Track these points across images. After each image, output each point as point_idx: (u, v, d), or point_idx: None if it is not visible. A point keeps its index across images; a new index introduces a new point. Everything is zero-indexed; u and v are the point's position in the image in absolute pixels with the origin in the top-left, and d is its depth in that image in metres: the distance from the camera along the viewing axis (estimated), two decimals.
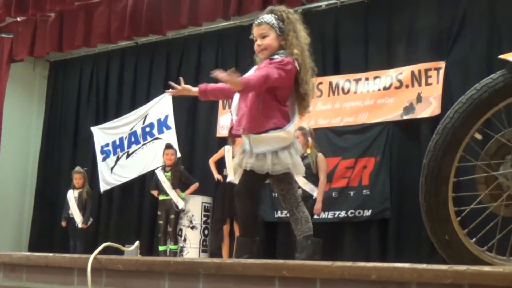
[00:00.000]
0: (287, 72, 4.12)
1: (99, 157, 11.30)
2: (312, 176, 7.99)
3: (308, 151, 8.12)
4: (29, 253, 2.93)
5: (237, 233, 8.69)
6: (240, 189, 4.24)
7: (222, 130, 9.80)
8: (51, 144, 12.32)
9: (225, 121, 9.86)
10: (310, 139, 8.14)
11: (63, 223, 10.03)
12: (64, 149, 12.10)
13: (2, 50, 11.12)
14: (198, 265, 2.39)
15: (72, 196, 9.96)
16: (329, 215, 8.80)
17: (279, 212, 9.09)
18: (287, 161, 4.14)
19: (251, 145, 4.15)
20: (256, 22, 4.31)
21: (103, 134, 11.37)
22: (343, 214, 8.73)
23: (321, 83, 9.30)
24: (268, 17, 4.28)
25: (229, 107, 10.01)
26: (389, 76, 8.81)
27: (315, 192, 7.96)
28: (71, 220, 9.91)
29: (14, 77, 11.40)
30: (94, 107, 11.96)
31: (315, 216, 8.84)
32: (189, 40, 10.97)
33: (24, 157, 12.47)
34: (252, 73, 4.21)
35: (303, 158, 8.22)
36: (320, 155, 8.14)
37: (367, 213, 8.56)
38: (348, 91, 9.11)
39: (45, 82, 12.84)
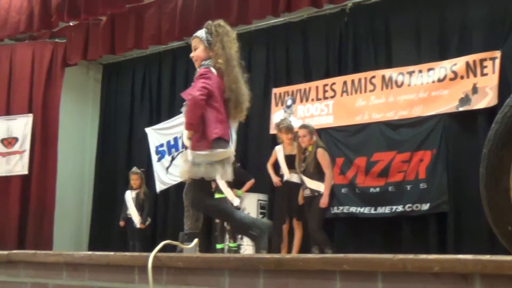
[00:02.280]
0: (209, 78, 4.67)
1: (154, 157, 11.40)
2: (313, 174, 8.13)
3: (310, 148, 8.18)
4: (90, 253, 2.97)
5: (296, 232, 8.69)
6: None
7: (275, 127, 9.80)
8: (106, 145, 12.50)
9: (278, 118, 9.86)
10: (314, 136, 8.30)
11: (121, 223, 10.15)
12: (119, 150, 12.26)
13: (56, 55, 11.31)
14: (258, 261, 2.39)
15: (129, 196, 10.07)
16: (386, 210, 8.74)
17: (335, 208, 9.07)
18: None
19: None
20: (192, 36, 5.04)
21: (157, 135, 11.46)
22: (400, 208, 8.65)
23: (373, 77, 9.24)
24: (199, 32, 4.97)
25: (282, 104, 10.05)
26: (443, 67, 8.69)
27: (322, 188, 8.05)
28: (129, 221, 10.03)
29: (69, 81, 11.58)
30: (147, 108, 12.09)
31: (371, 211, 8.82)
32: (239, 39, 10.95)
33: (81, 159, 12.69)
34: (187, 111, 4.68)
35: (304, 157, 8.27)
36: (319, 150, 8.19)
37: (425, 207, 8.47)
38: (402, 84, 9.02)
39: (98, 85, 13.04)
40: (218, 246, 9.22)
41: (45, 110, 11.23)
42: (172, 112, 11.52)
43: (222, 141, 4.59)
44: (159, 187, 11.20)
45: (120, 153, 12.23)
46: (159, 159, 11.35)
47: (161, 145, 11.36)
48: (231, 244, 9.13)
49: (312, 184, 8.15)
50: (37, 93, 11.28)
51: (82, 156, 12.73)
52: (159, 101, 11.95)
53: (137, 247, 9.75)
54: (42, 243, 10.40)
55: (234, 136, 4.76)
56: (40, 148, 11.08)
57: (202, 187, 4.67)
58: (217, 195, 9.31)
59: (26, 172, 10.92)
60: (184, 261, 2.61)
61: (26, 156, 10.96)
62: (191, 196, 4.74)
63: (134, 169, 10.34)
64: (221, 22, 4.97)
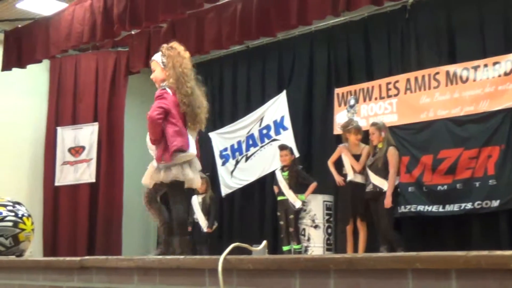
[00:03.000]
0: (165, 98, 5.30)
1: (218, 161, 11.49)
2: (380, 170, 8.08)
3: (380, 145, 8.12)
4: (161, 257, 3.00)
5: (361, 233, 8.61)
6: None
7: (338, 128, 9.74)
8: None
9: (341, 119, 9.82)
10: (383, 133, 8.19)
11: (189, 228, 10.23)
12: None
13: (119, 64, 11.51)
14: (329, 261, 2.37)
15: (196, 201, 10.15)
16: (454, 207, 8.61)
17: (402, 207, 8.97)
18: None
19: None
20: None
21: (221, 139, 11.55)
22: (469, 206, 8.49)
23: (437, 73, 9.11)
24: (156, 55, 5.57)
25: (345, 104, 10.00)
26: (510, 60, 8.50)
27: (385, 186, 8.00)
28: (196, 225, 10.11)
29: (132, 88, 11.77)
30: (210, 113, 12.11)
31: (440, 209, 8.69)
32: (300, 40, 10.99)
33: (147, 165, 12.81)
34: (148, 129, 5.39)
35: (374, 153, 8.19)
36: (391, 148, 8.13)
37: (495, 203, 8.29)
38: (467, 79, 8.87)
39: None
40: (285, 248, 9.21)
41: (110, 118, 11.45)
42: (235, 116, 11.60)
43: (181, 152, 5.27)
44: (224, 191, 11.28)
45: None
46: (224, 163, 11.43)
47: (225, 149, 11.44)
48: (296, 246, 9.11)
49: (376, 180, 8.11)
50: (102, 102, 11.50)
51: (147, 162, 12.85)
52: (222, 105, 12.02)
53: (205, 251, 9.81)
54: (111, 249, 10.59)
55: (192, 144, 5.41)
56: (107, 156, 11.30)
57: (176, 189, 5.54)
58: (279, 198, 9.34)
59: (93, 180, 11.14)
60: (254, 263, 2.61)
61: (93, 164, 11.19)
62: (146, 194, 5.85)
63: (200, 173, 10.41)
64: (173, 44, 5.56)
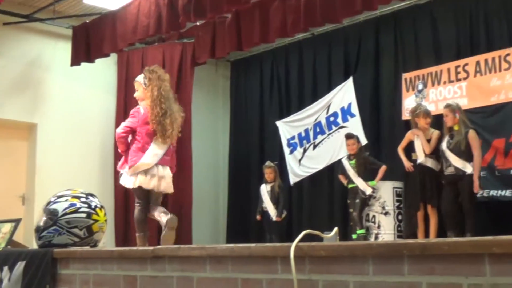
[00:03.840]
0: (134, 117, 6.45)
1: (286, 150, 11.50)
2: (462, 153, 8.00)
3: (456, 127, 8.03)
4: (232, 245, 3.02)
5: (432, 219, 8.51)
6: None
7: (407, 113, 9.61)
8: (239, 141, 12.70)
9: (409, 103, 9.70)
10: (457, 114, 8.13)
11: (258, 217, 10.29)
12: (251, 145, 12.43)
13: (185, 55, 11.59)
14: (402, 247, 2.35)
15: (265, 190, 10.19)
16: None
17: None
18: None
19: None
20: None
21: (288, 127, 11.55)
22: None
23: (508, 54, 8.89)
24: (139, 77, 6.66)
25: (413, 89, 9.87)
26: None
27: (468, 169, 7.94)
28: (265, 214, 10.15)
29: (198, 80, 11.87)
30: (276, 101, 12.18)
31: (507, 194, 8.52)
32: (365, 26, 10.88)
33: (215, 155, 12.98)
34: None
35: (451, 135, 8.07)
36: (471, 131, 8.08)
37: None
38: None
39: (227, 82, 13.27)
40: (354, 236, 9.16)
41: None
42: (302, 104, 11.58)
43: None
44: (292, 179, 11.28)
45: (253, 147, 12.39)
46: (291, 152, 11.42)
47: (293, 138, 11.43)
48: (359, 231, 9.07)
49: (458, 162, 8.00)
50: None
51: (215, 152, 13.02)
52: (288, 93, 12.01)
53: (274, 240, 9.84)
54: (182, 238, 10.68)
55: (155, 154, 6.39)
56: (175, 147, 11.39)
57: (136, 193, 6.57)
58: (349, 186, 9.31)
59: None
60: (327, 249, 2.60)
61: None
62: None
63: (268, 163, 10.46)
64: (154, 68, 6.64)
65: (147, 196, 6.51)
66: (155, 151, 6.41)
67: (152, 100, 6.37)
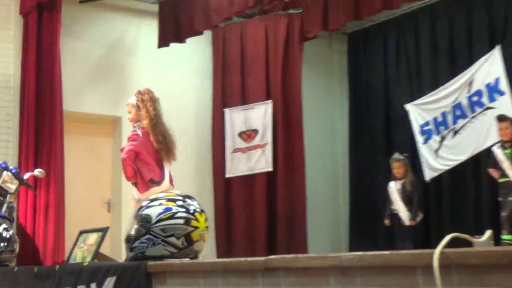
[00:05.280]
0: (135, 140, 7.54)
1: (419, 139, 11.33)
2: None
3: None
4: (361, 253, 2.99)
5: None
6: None
7: None
8: (360, 129, 12.65)
9: None
10: None
11: (387, 221, 10.22)
12: (375, 133, 12.36)
13: (292, 29, 11.60)
14: None
15: (394, 188, 10.11)
16: None
17: None
18: None
19: None
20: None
21: (420, 111, 11.38)
22: None
23: None
24: (131, 99, 7.75)
25: None
26: None
27: None
28: (395, 217, 10.07)
29: (309, 57, 11.87)
30: (405, 80, 12.05)
31: None
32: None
33: (332, 148, 12.94)
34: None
35: None
36: None
37: None
38: None
39: (344, 59, 13.22)
40: (504, 237, 8.95)
41: (285, 94, 11.58)
42: (436, 82, 11.40)
43: (155, 182, 7.43)
44: (428, 174, 11.11)
45: (377, 136, 12.32)
46: (426, 141, 11.25)
47: (427, 124, 11.26)
48: (505, 236, 8.85)
49: None
50: (275, 75, 11.64)
51: (332, 144, 12.98)
52: (419, 70, 11.87)
53: (407, 248, 9.73)
54: (295, 247, 10.73)
55: (167, 175, 7.63)
56: (284, 139, 11.44)
57: None
58: (500, 180, 9.12)
59: (270, 169, 11.34)
60: (480, 257, 2.54)
61: (269, 149, 11.38)
62: None
63: (396, 155, 10.36)
64: (146, 90, 7.68)
65: None
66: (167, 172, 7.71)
67: (150, 119, 7.53)
